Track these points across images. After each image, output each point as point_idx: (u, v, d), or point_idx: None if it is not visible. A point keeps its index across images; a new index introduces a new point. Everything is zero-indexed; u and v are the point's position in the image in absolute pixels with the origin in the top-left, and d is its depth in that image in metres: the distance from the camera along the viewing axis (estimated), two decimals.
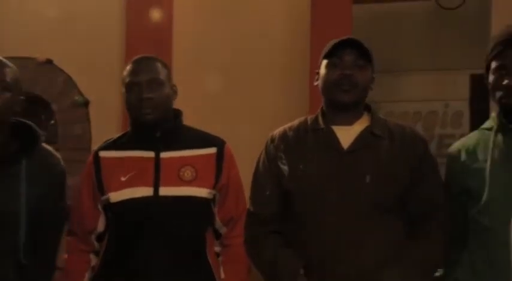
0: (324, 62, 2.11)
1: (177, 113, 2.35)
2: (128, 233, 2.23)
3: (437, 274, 2.23)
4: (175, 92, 2.34)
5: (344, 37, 2.10)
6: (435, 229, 2.06)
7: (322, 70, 2.12)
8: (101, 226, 2.31)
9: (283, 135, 2.17)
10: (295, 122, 2.21)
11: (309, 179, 2.05)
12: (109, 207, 2.27)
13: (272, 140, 2.18)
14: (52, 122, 5.17)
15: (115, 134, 2.41)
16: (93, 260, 2.33)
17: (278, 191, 2.12)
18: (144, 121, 2.23)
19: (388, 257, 1.99)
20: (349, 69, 2.06)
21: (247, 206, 2.22)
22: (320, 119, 2.14)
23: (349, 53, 2.08)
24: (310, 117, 2.19)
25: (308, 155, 2.09)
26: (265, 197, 2.14)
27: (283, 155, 2.12)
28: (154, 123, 2.24)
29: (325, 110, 2.15)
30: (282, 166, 2.11)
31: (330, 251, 1.99)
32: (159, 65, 2.29)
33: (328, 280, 2.00)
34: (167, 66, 2.34)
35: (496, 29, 4.14)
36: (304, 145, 2.12)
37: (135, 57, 2.33)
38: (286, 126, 2.21)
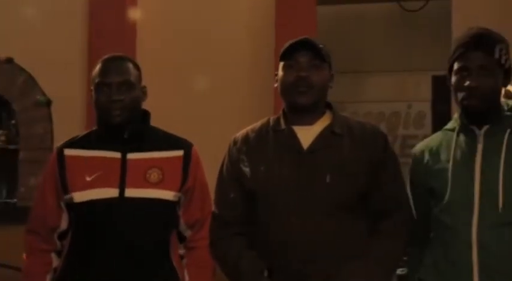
0: (281, 64, 2.11)
1: (145, 115, 2.32)
2: (91, 234, 2.20)
3: (400, 272, 2.25)
4: (144, 94, 2.30)
5: (299, 38, 2.09)
6: (397, 227, 2.07)
7: (280, 72, 2.12)
8: (64, 223, 2.27)
9: (246, 137, 2.16)
10: (258, 123, 2.21)
11: (270, 180, 2.05)
12: (72, 207, 2.23)
13: (235, 142, 2.17)
14: (13, 121, 5.09)
15: (78, 134, 2.36)
16: (55, 261, 2.29)
17: (242, 194, 2.11)
18: (112, 122, 2.20)
19: (352, 256, 2.00)
20: (305, 70, 2.06)
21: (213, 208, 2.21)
22: (282, 119, 2.14)
23: (304, 55, 2.07)
24: (272, 118, 2.18)
25: (269, 156, 2.09)
26: (230, 200, 2.13)
27: (245, 158, 2.12)
28: (122, 124, 2.21)
29: (286, 111, 2.15)
30: (244, 168, 2.11)
31: (294, 252, 1.99)
32: (130, 66, 2.25)
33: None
34: (138, 67, 2.29)
35: (457, 31, 4.21)
36: (266, 146, 2.11)
37: (106, 56, 2.27)
38: (249, 128, 2.20)
